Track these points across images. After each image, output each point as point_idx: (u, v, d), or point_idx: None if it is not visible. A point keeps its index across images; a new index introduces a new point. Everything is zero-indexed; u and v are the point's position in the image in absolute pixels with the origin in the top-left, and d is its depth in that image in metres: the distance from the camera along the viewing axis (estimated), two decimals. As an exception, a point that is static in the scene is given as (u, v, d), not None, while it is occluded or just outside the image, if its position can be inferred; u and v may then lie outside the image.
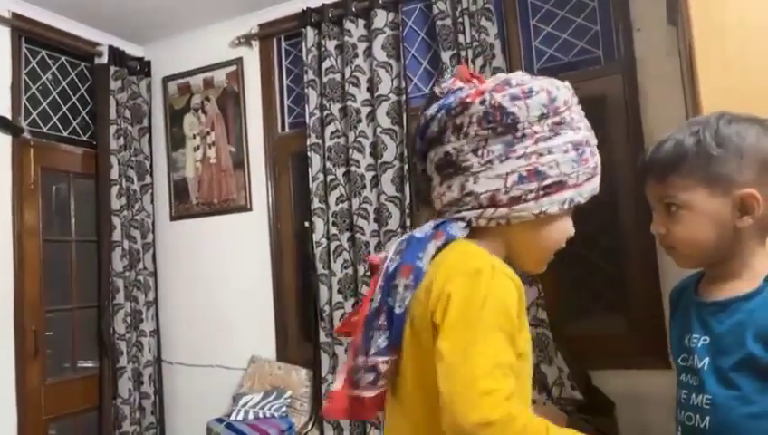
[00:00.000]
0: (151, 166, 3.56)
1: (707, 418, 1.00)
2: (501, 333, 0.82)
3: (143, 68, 3.59)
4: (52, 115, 3.27)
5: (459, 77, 0.96)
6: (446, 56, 2.75)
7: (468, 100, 0.92)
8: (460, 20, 2.70)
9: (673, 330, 1.14)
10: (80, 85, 3.44)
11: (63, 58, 3.36)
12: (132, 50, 3.59)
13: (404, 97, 2.84)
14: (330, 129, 3.00)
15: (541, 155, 0.91)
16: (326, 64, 3.03)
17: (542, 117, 0.91)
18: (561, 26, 2.76)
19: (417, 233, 0.95)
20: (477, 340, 0.81)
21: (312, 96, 3.07)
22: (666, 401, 1.28)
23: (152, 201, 3.54)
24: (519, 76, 0.95)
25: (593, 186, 0.96)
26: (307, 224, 3.09)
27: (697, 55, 1.38)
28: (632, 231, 2.54)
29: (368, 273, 2.81)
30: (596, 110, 2.67)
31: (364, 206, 2.89)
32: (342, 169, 2.98)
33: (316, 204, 3.02)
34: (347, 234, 2.95)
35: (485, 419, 0.77)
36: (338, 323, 2.88)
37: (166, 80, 3.60)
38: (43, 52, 3.26)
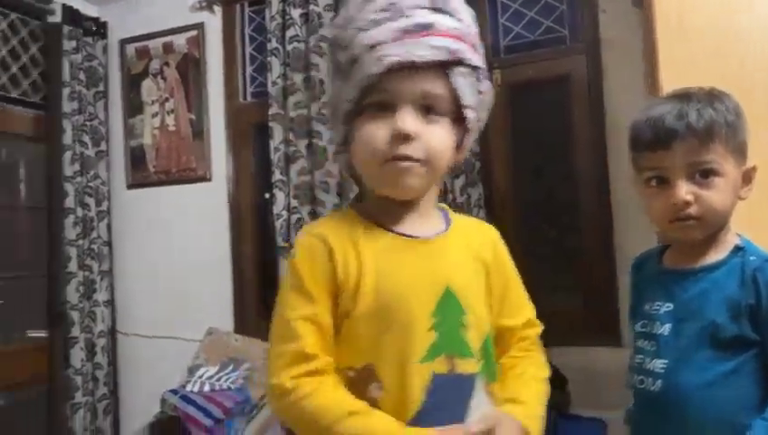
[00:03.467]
0: (107, 132, 3.44)
1: (659, 381, 1.02)
2: (293, 291, 0.94)
3: (99, 29, 3.43)
4: (0, 75, 3.12)
5: None
6: (412, 29, 2.70)
7: None
8: (428, -7, 2.65)
9: (633, 298, 1.16)
10: (31, 45, 3.28)
11: (14, 15, 3.19)
12: (87, 9, 3.42)
13: (369, 69, 2.79)
14: (293, 99, 2.94)
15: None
16: (290, 33, 2.95)
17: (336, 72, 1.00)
18: (528, 4, 2.74)
19: None
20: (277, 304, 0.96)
21: (276, 65, 2.99)
22: (617, 377, 1.30)
23: (107, 168, 3.42)
24: None
25: (361, 74, 0.91)
26: (267, 196, 3.04)
27: (658, 30, 1.40)
28: (592, 208, 2.57)
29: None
30: (560, 89, 2.70)
31: (326, 179, 2.85)
32: (305, 141, 2.93)
33: (277, 176, 2.97)
34: (308, 207, 2.91)
35: (278, 386, 0.90)
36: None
37: (123, 42, 3.46)
38: (-8, 8, 3.10)
